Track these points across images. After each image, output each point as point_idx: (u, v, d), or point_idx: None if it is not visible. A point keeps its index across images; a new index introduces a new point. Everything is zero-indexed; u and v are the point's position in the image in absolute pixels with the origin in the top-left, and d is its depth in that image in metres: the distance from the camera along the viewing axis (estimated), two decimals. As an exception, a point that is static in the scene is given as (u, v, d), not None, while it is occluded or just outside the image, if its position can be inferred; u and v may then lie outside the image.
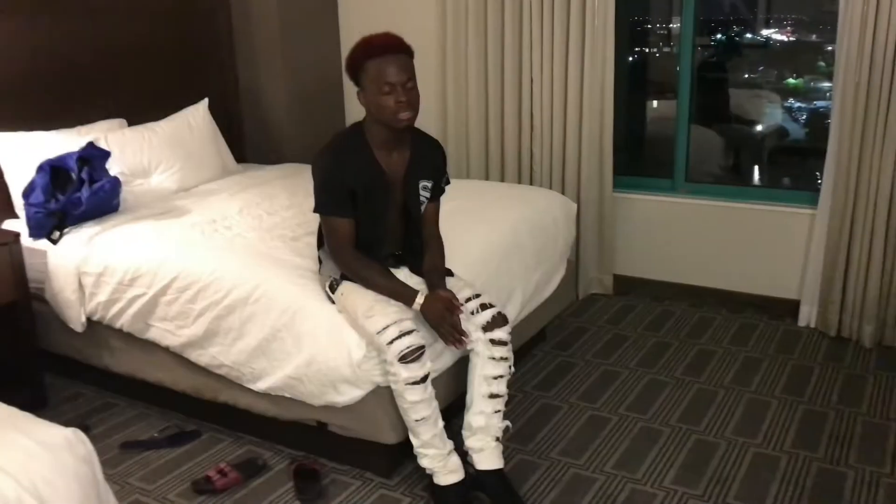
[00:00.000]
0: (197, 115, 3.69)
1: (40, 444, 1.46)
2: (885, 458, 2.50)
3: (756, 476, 2.43)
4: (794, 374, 3.07)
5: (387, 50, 2.19)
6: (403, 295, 2.27)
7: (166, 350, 2.69)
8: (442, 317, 2.22)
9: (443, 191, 2.49)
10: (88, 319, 2.86)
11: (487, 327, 2.31)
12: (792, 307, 3.54)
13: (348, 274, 2.32)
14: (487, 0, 3.73)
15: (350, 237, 2.30)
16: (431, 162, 2.42)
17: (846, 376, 3.04)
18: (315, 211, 2.33)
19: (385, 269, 2.34)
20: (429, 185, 2.41)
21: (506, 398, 2.37)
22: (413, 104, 2.21)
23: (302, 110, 4.22)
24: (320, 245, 2.49)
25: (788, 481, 2.40)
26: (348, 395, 2.31)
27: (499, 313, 2.35)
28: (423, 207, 2.43)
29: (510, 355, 2.36)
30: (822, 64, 4.48)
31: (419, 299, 2.25)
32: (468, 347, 2.33)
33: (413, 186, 2.37)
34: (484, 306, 2.34)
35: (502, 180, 3.93)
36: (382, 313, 2.21)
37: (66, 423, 1.60)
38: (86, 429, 2.45)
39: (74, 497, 1.45)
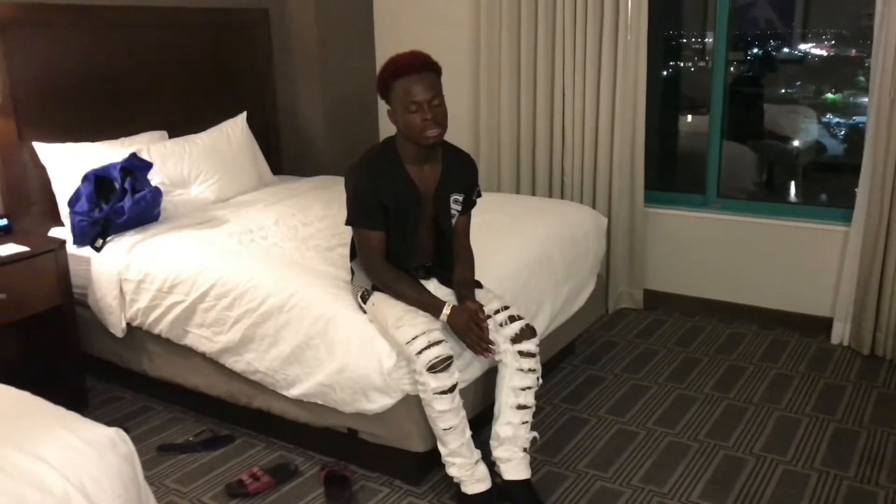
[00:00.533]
0: (236, 128, 3.78)
1: (86, 442, 1.52)
2: (918, 478, 2.48)
3: (785, 494, 2.42)
4: (825, 392, 3.05)
5: (412, 69, 2.24)
6: (431, 306, 2.31)
7: (203, 356, 2.76)
8: (468, 327, 2.26)
9: (474, 203, 2.54)
10: (128, 325, 2.94)
11: (516, 339, 2.35)
12: (825, 325, 3.51)
13: (379, 285, 2.37)
14: (521, 15, 3.78)
15: (381, 249, 2.36)
16: (462, 176, 2.47)
17: (879, 395, 3.01)
18: (347, 224, 2.39)
19: (414, 281, 2.39)
20: (460, 198, 2.46)
21: (533, 409, 2.39)
22: (439, 121, 2.26)
23: (337, 124, 4.31)
24: (353, 257, 2.54)
25: (818, 499, 2.39)
26: (379, 402, 2.36)
27: (527, 325, 2.39)
28: (454, 220, 2.47)
29: (538, 367, 2.38)
30: (862, 79, 4.45)
31: (446, 310, 2.29)
32: (496, 358, 2.37)
33: (444, 200, 2.42)
34: (512, 318, 2.37)
35: (533, 194, 3.96)
36: (411, 324, 2.25)
37: (107, 425, 1.67)
38: (125, 430, 2.52)
39: (118, 494, 1.52)
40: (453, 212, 2.46)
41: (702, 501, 2.40)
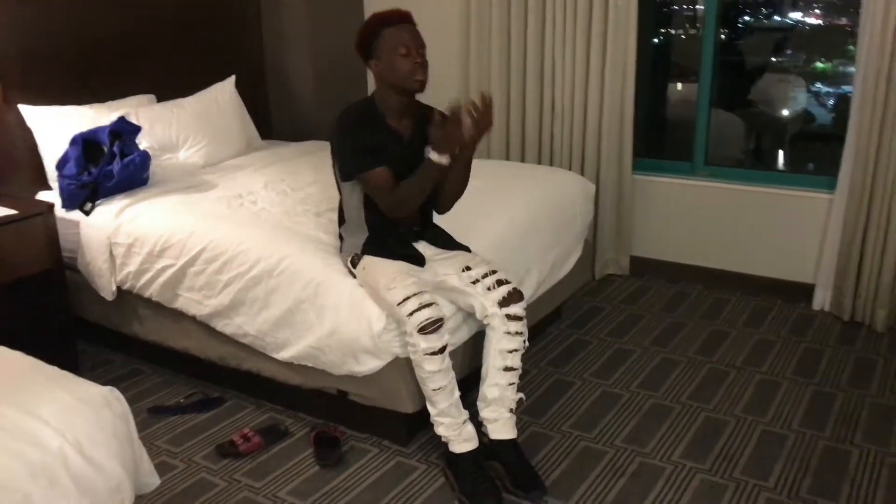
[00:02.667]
0: (224, 92, 3.77)
1: (81, 400, 1.55)
2: (891, 438, 2.55)
3: (763, 453, 2.49)
4: (805, 357, 3.11)
5: (402, 19, 2.35)
6: (426, 168, 2.30)
7: (193, 319, 2.79)
8: (448, 139, 2.25)
9: None
10: (119, 288, 2.96)
11: (503, 302, 2.38)
12: (807, 291, 3.58)
13: (403, 211, 2.41)
14: (511, -19, 3.76)
15: (392, 181, 2.37)
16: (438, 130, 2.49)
17: (857, 359, 3.08)
18: (348, 178, 2.41)
19: (409, 179, 2.38)
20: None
21: (520, 371, 2.43)
22: (426, 70, 2.34)
23: (327, 89, 4.29)
24: (341, 223, 2.56)
25: (794, 459, 2.46)
26: (368, 365, 2.40)
27: (514, 289, 2.42)
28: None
29: (525, 330, 2.42)
30: (852, 48, 4.46)
31: (431, 154, 2.28)
32: (484, 322, 2.40)
33: (420, 151, 2.43)
34: (500, 282, 2.40)
35: (523, 160, 3.98)
36: (403, 285, 2.28)
37: (102, 385, 1.70)
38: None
39: (112, 451, 1.55)
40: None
41: (683, 461, 2.46)
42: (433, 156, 2.28)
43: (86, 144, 3.03)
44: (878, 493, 2.29)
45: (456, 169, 2.38)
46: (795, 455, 2.48)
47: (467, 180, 2.48)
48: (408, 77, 2.32)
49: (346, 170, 2.42)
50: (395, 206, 2.41)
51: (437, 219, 2.62)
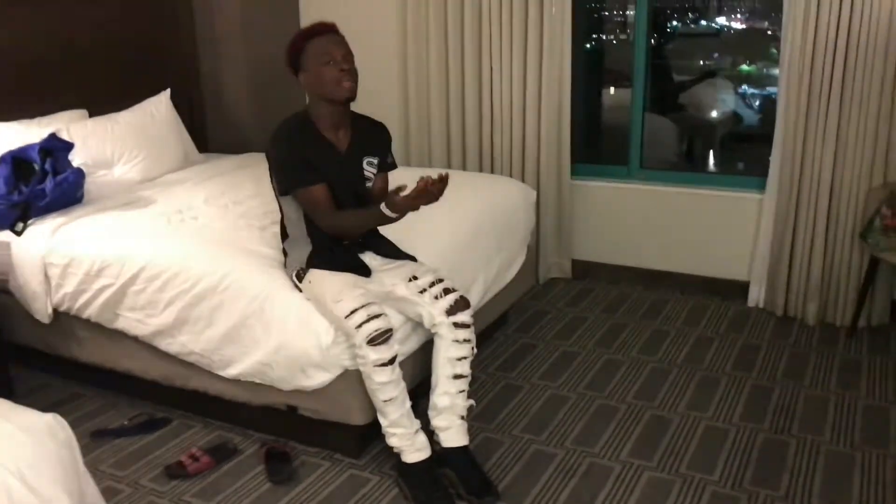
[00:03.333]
0: (160, 105, 3.70)
1: (22, 429, 1.50)
2: (825, 427, 2.66)
3: (707, 447, 2.57)
4: (742, 352, 3.22)
5: (327, 30, 2.38)
6: (375, 215, 2.30)
7: (135, 339, 2.72)
8: (406, 205, 2.24)
9: (391, 166, 2.60)
10: (55, 310, 2.87)
11: (450, 311, 2.40)
12: (742, 288, 3.70)
13: (338, 233, 2.42)
14: (447, -9, 3.80)
15: (330, 200, 2.38)
16: (374, 139, 2.54)
17: (791, 353, 3.21)
18: (283, 193, 2.41)
19: (354, 210, 2.43)
20: (374, 161, 2.52)
21: (469, 378, 2.45)
22: (354, 77, 2.36)
23: (263, 100, 4.25)
24: (284, 238, 2.55)
25: (736, 451, 2.54)
26: (317, 379, 2.38)
27: (461, 297, 2.44)
28: (368, 183, 2.53)
29: (473, 337, 2.44)
30: (775, 51, 4.64)
31: (384, 208, 2.26)
32: (432, 331, 2.42)
33: (357, 163, 2.47)
34: (447, 290, 2.42)
35: (464, 169, 4.01)
36: (350, 297, 2.28)
37: (44, 411, 1.65)
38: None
39: (58, 480, 1.50)
40: (367, 173, 2.51)
41: (631, 459, 2.52)
42: (386, 211, 2.26)
43: (15, 162, 2.93)
44: (815, 479, 2.39)
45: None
46: (738, 448, 2.56)
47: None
48: (334, 86, 2.34)
49: (283, 185, 2.41)
50: (332, 229, 2.42)
51: (382, 229, 2.62)
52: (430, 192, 2.21)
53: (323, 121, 2.42)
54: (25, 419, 1.54)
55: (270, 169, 2.46)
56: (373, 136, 2.54)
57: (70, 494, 1.53)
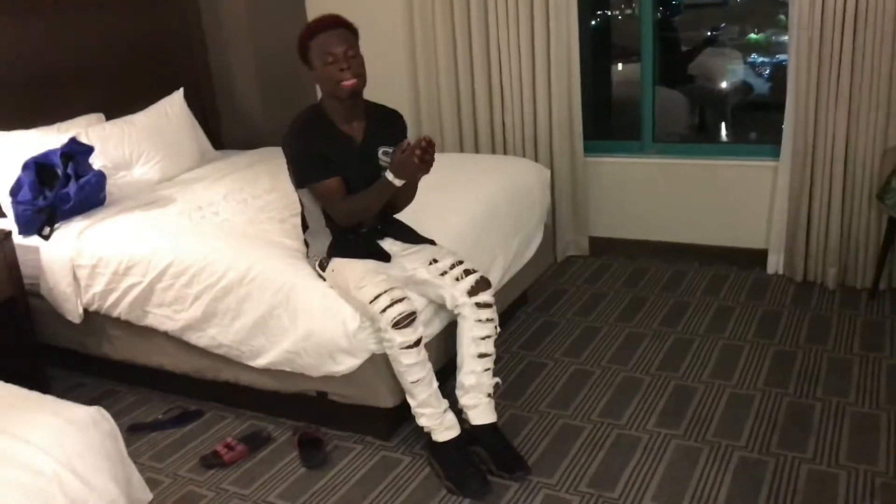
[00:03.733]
0: (173, 105, 3.74)
1: (70, 422, 1.56)
2: (850, 389, 2.68)
3: (732, 414, 2.60)
4: (764, 319, 3.24)
5: (327, 26, 2.37)
6: (382, 185, 2.31)
7: (165, 334, 2.78)
8: (410, 164, 2.23)
9: None
10: (85, 310, 2.93)
11: (472, 291, 2.43)
12: (760, 256, 3.71)
13: (353, 222, 2.43)
14: (452, -26, 3.81)
15: (344, 192, 2.40)
16: (388, 129, 2.51)
17: (812, 317, 3.22)
18: (299, 187, 2.44)
19: (363, 192, 2.41)
20: (389, 150, 2.48)
21: (494, 356, 2.49)
22: (356, 71, 2.35)
23: (274, 94, 4.28)
24: (305, 229, 2.59)
25: (762, 417, 2.57)
26: (346, 364, 2.43)
27: (482, 277, 2.47)
28: (383, 172, 2.50)
29: (495, 316, 2.48)
30: (783, 17, 4.61)
31: (389, 175, 2.28)
32: (455, 312, 2.45)
33: (372, 153, 2.46)
34: (467, 272, 2.46)
35: (476, 151, 4.03)
36: (373, 283, 2.32)
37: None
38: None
39: (104, 470, 1.56)
40: (383, 163, 2.49)
41: (658, 429, 2.55)
42: (389, 176, 2.28)
43: (38, 168, 2.99)
44: (842, 441, 2.41)
45: (405, 186, 2.37)
46: (763, 413, 2.59)
47: (414, 194, 2.53)
48: (335, 84, 2.34)
49: (298, 179, 2.45)
50: (346, 217, 2.43)
51: (401, 213, 2.65)
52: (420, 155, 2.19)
53: (336, 114, 2.44)
54: (71, 413, 1.60)
55: (288, 162, 2.49)
56: (387, 126, 2.54)
57: (117, 483, 1.59)
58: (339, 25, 2.38)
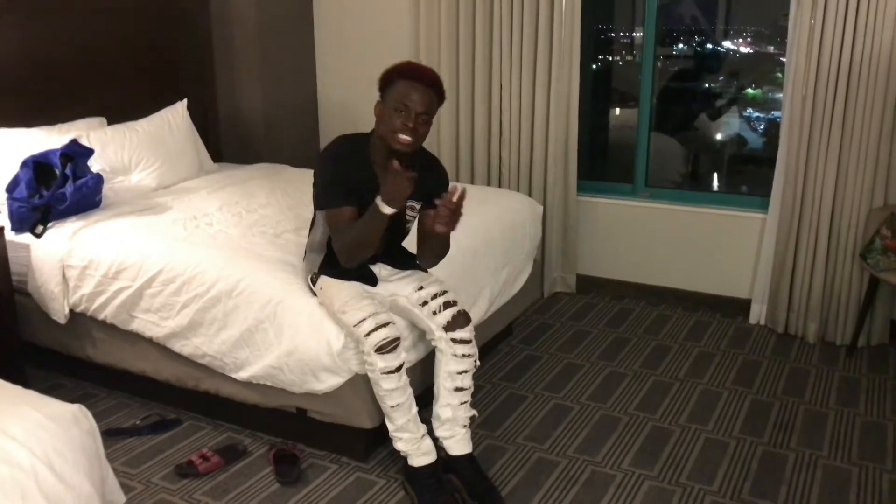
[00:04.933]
0: (176, 115, 3.78)
1: (50, 417, 1.57)
2: (824, 442, 2.71)
3: (707, 459, 2.62)
4: (743, 368, 3.28)
5: (421, 79, 2.27)
6: (374, 214, 2.22)
7: (149, 341, 2.79)
8: (401, 190, 2.18)
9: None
10: (71, 311, 2.94)
11: (448, 327, 2.39)
12: (744, 306, 3.76)
13: (354, 253, 2.33)
14: (459, 10, 3.89)
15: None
16: (426, 184, 2.37)
17: (791, 369, 3.26)
18: (320, 207, 2.40)
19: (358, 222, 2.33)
20: (416, 206, 2.45)
21: (472, 390, 2.47)
22: (418, 135, 2.26)
23: (276, 113, 4.34)
24: (309, 234, 2.55)
25: (736, 463, 2.59)
26: (328, 382, 2.44)
27: (460, 312, 2.42)
28: (408, 226, 2.51)
29: (474, 351, 2.44)
30: (780, 75, 4.72)
31: (378, 202, 2.20)
32: (433, 345, 2.45)
33: (402, 208, 2.34)
34: (447, 304, 2.42)
35: (472, 182, 4.09)
36: (358, 307, 2.32)
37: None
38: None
39: (81, 467, 1.57)
40: (408, 216, 2.47)
41: (632, 468, 2.57)
42: (380, 204, 2.19)
43: (37, 167, 3.01)
44: (813, 492, 2.43)
45: (436, 238, 2.35)
46: (737, 460, 2.61)
47: (447, 247, 2.48)
48: (392, 134, 2.24)
49: (317, 200, 2.41)
50: (342, 252, 2.33)
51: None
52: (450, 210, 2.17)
53: (377, 154, 2.35)
54: (52, 409, 1.61)
55: (313, 179, 2.42)
56: (424, 180, 2.34)
57: (92, 482, 1.59)
58: (433, 85, 2.29)
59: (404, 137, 2.24)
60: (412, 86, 2.25)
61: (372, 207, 2.22)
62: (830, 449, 2.67)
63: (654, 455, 2.64)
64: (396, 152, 2.28)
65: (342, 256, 2.36)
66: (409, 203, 2.38)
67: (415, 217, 2.49)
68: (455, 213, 2.21)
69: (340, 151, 2.37)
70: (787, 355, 3.39)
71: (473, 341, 2.45)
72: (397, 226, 2.42)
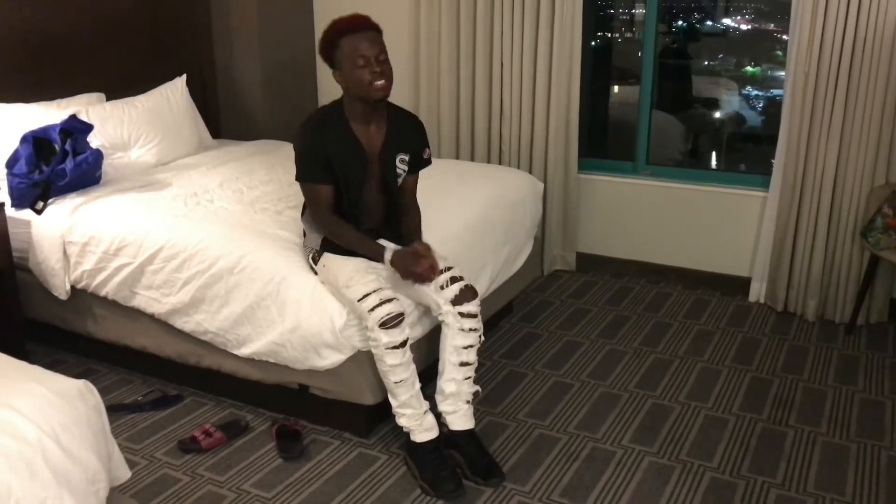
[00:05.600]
0: (175, 91, 3.76)
1: (56, 393, 1.57)
2: (822, 419, 2.73)
3: (706, 435, 2.64)
4: (743, 346, 3.29)
5: (358, 27, 2.36)
6: (374, 251, 2.41)
7: (151, 317, 2.79)
8: (407, 270, 2.37)
9: (424, 165, 2.61)
10: (72, 287, 2.94)
11: (456, 301, 2.43)
12: (743, 284, 3.77)
13: (328, 235, 2.45)
14: (460, -15, 3.86)
15: (329, 203, 2.43)
16: (408, 136, 2.54)
17: (790, 347, 3.27)
18: (297, 179, 2.46)
19: (359, 231, 2.46)
20: (406, 157, 2.54)
21: (475, 365, 2.50)
22: (387, 76, 2.36)
23: (276, 88, 4.30)
24: (303, 214, 2.60)
25: (735, 440, 2.61)
26: (330, 359, 2.45)
27: (467, 286, 2.46)
28: (400, 180, 2.55)
29: (479, 326, 2.48)
30: (779, 53, 4.70)
31: (387, 255, 2.38)
32: (439, 319, 2.47)
33: (390, 160, 2.50)
34: (454, 279, 2.45)
35: (472, 160, 4.07)
36: (362, 282, 2.34)
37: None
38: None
39: (87, 442, 1.57)
40: (399, 171, 2.53)
41: (632, 445, 2.59)
42: (386, 260, 2.39)
43: (36, 143, 2.99)
44: (811, 468, 2.46)
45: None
46: (736, 437, 2.63)
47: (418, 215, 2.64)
48: (367, 88, 2.33)
49: (297, 172, 2.45)
50: (324, 229, 2.46)
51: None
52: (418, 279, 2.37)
53: (355, 116, 2.43)
54: (59, 384, 1.61)
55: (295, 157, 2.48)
56: (407, 132, 2.53)
57: (99, 457, 1.60)
58: (370, 28, 2.36)
59: (379, 83, 2.34)
60: (356, 37, 2.33)
61: (378, 248, 2.41)
62: (829, 426, 2.69)
63: (654, 432, 2.66)
64: (379, 101, 2.38)
65: (321, 231, 2.47)
66: (398, 156, 2.50)
67: (405, 171, 2.55)
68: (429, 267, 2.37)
69: (318, 123, 2.44)
70: (787, 333, 3.41)
71: (479, 317, 2.48)
72: (390, 179, 2.50)
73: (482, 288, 2.90)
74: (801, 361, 3.15)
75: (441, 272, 2.46)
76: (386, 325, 2.28)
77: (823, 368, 3.09)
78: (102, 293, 2.86)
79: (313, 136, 2.41)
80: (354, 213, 2.48)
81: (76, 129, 3.06)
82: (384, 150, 2.48)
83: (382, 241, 2.52)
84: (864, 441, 2.60)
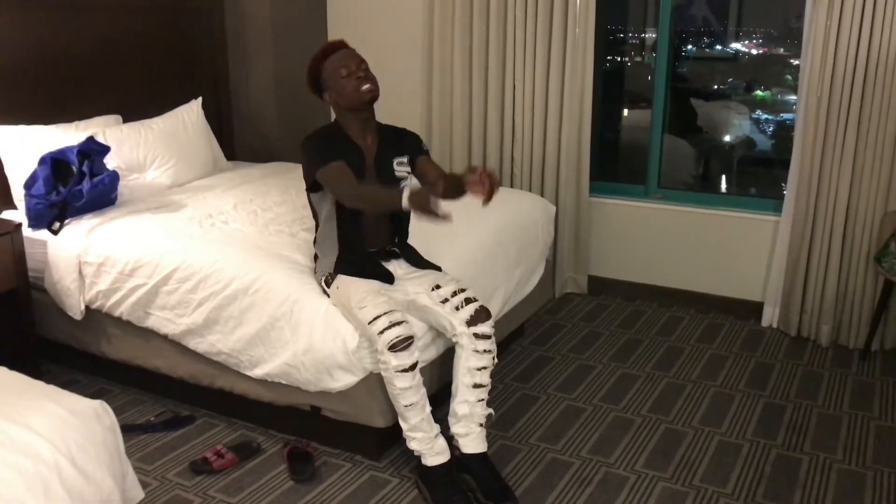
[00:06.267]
0: (191, 113, 3.80)
1: (72, 412, 1.58)
2: (838, 445, 2.70)
3: (720, 461, 2.62)
4: (756, 371, 3.27)
5: (334, 49, 2.52)
6: (394, 195, 2.29)
7: (164, 337, 2.80)
8: (423, 207, 2.23)
9: (426, 152, 2.65)
10: (87, 308, 2.95)
11: (471, 321, 2.44)
12: (756, 308, 3.75)
13: (360, 204, 2.41)
14: (473, 8, 3.89)
15: (350, 175, 2.42)
16: (401, 142, 2.62)
17: (804, 372, 3.25)
18: (315, 170, 2.43)
19: (377, 186, 2.46)
20: (404, 160, 2.60)
21: (489, 388, 2.50)
22: (371, 80, 2.47)
23: (290, 111, 4.35)
24: (316, 241, 2.62)
25: (749, 466, 2.59)
26: (343, 381, 2.45)
27: (482, 307, 2.48)
28: (405, 182, 2.57)
29: (493, 347, 2.49)
30: (789, 77, 4.71)
31: (406, 193, 2.26)
32: (453, 341, 2.47)
33: (388, 164, 2.55)
34: (468, 300, 2.47)
35: (484, 183, 4.07)
36: (374, 304, 2.34)
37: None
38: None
39: (103, 463, 1.58)
40: (398, 173, 2.57)
41: (645, 470, 2.57)
42: (403, 199, 2.23)
43: (54, 164, 3.03)
44: (827, 496, 2.43)
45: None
46: (750, 463, 2.61)
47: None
48: (355, 93, 2.45)
49: (309, 173, 2.48)
50: (354, 200, 2.41)
51: (410, 238, 2.69)
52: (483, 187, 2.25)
53: (352, 129, 2.53)
54: (75, 404, 1.62)
55: (302, 167, 2.53)
56: (400, 139, 2.63)
57: (114, 477, 1.61)
58: (347, 47, 2.53)
59: (365, 87, 2.45)
60: (335, 56, 2.49)
61: (395, 192, 2.31)
62: (845, 453, 2.66)
63: (667, 457, 2.64)
64: (369, 103, 2.47)
65: (352, 204, 2.42)
66: (396, 160, 2.57)
67: (407, 175, 2.59)
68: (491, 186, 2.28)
69: (321, 136, 2.54)
70: (800, 358, 3.38)
71: (493, 338, 2.48)
72: (386, 178, 2.54)
73: (495, 310, 2.89)
74: (815, 387, 3.12)
75: (455, 293, 2.46)
76: (395, 347, 2.29)
77: (838, 394, 3.07)
78: (117, 313, 2.88)
79: (319, 139, 2.51)
80: (362, 228, 2.51)
81: (94, 150, 3.09)
82: (380, 158, 2.55)
83: (394, 267, 2.57)
84: (880, 468, 2.57)
